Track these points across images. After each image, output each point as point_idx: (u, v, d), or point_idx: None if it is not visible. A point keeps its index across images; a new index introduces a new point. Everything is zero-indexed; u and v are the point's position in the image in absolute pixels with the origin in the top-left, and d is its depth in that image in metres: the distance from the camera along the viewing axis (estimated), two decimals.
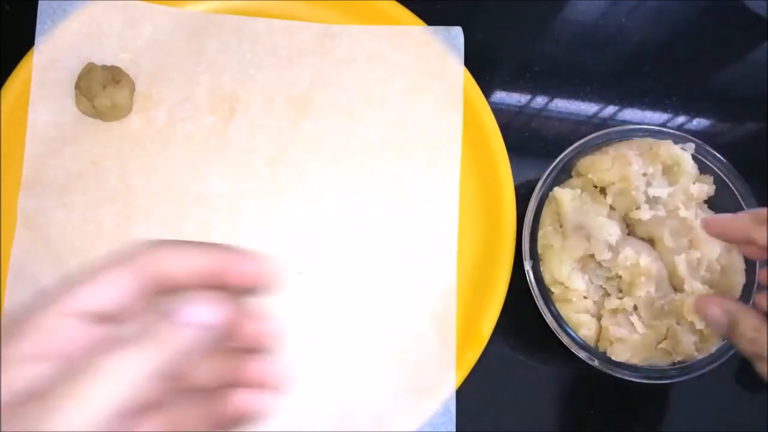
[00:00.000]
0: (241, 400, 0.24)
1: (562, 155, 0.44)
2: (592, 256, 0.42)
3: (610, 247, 0.42)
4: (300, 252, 0.46)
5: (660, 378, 0.41)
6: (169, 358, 0.21)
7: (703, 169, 0.45)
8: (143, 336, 0.21)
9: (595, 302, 0.43)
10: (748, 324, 0.31)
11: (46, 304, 0.22)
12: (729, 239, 0.34)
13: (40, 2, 0.47)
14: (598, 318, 0.43)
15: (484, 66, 0.50)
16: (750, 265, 0.43)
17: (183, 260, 0.23)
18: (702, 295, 0.37)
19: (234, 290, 0.24)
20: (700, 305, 0.34)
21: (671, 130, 0.45)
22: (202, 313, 0.22)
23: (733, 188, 0.44)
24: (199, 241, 0.24)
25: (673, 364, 0.42)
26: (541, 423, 0.47)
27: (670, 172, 0.45)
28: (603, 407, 0.47)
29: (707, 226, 0.34)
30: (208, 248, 0.24)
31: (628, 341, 0.41)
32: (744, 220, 0.32)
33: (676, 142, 0.44)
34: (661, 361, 0.42)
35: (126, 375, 0.20)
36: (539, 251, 0.44)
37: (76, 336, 0.21)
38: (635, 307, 0.42)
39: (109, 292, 0.22)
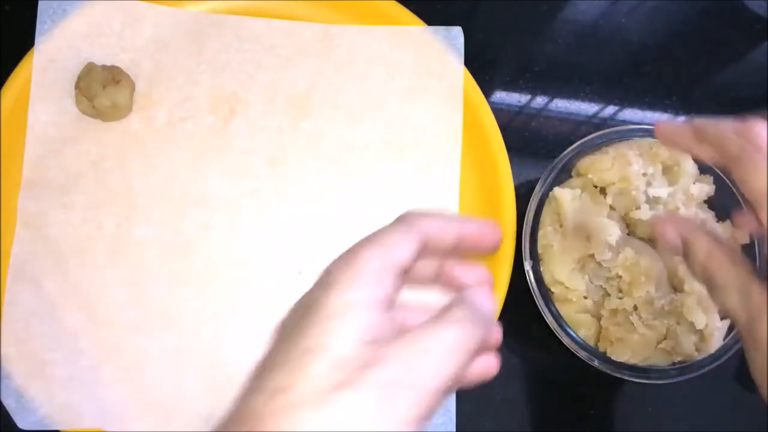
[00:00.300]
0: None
1: (562, 155, 0.44)
2: (592, 256, 0.42)
3: (610, 247, 0.42)
4: (300, 252, 0.46)
5: (660, 378, 0.41)
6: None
7: (703, 169, 0.45)
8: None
9: (595, 302, 0.43)
10: (701, 248, 0.30)
11: (369, 257, 0.24)
12: (676, 149, 0.34)
13: (40, 2, 0.47)
14: (598, 318, 0.43)
15: (484, 66, 0.50)
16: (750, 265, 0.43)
17: (443, 227, 0.26)
18: (661, 216, 0.35)
19: (466, 253, 0.28)
20: (658, 226, 0.32)
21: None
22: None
23: (733, 188, 0.44)
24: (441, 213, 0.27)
25: (673, 364, 0.42)
26: (541, 423, 0.47)
27: (670, 172, 0.45)
28: (603, 407, 0.47)
29: (657, 131, 0.33)
30: (456, 218, 0.27)
31: (628, 341, 0.41)
32: (687, 135, 0.31)
33: None
34: (661, 361, 0.42)
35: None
36: (539, 251, 0.44)
37: (394, 287, 0.24)
38: (635, 307, 0.42)
39: (406, 250, 0.24)
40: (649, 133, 0.45)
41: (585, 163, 0.45)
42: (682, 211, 0.43)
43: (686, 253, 0.31)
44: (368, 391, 0.21)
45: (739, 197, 0.43)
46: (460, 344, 0.23)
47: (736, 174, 0.28)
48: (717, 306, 0.31)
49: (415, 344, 0.22)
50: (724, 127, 0.29)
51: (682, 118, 0.51)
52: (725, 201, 0.44)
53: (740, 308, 0.28)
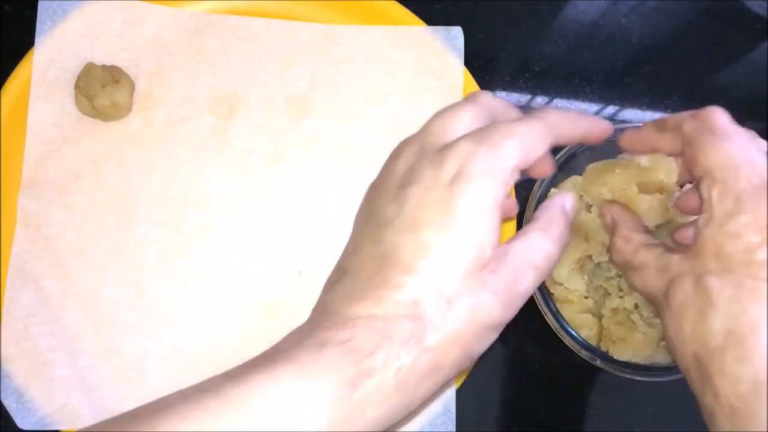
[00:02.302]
0: None
1: (560, 154, 0.44)
2: (591, 256, 0.42)
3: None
4: (300, 252, 0.46)
5: (663, 375, 0.41)
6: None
7: None
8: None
9: (595, 302, 0.43)
10: (621, 234, 0.32)
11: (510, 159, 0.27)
12: (642, 152, 0.34)
13: (40, 2, 0.47)
14: (599, 318, 0.43)
15: (484, 66, 0.50)
16: None
17: (570, 124, 0.29)
18: (605, 202, 0.36)
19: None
20: (600, 211, 0.34)
21: None
22: None
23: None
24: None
25: (675, 361, 0.42)
26: (541, 423, 0.47)
27: None
28: (603, 407, 0.47)
29: (620, 141, 0.34)
30: (581, 115, 0.30)
31: (630, 340, 0.41)
32: (649, 132, 0.32)
33: None
34: (664, 359, 0.42)
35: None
36: None
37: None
38: (636, 306, 0.42)
39: (539, 152, 0.28)
40: None
41: (592, 174, 0.44)
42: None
43: (611, 236, 0.33)
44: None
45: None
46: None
47: (687, 154, 0.29)
48: (634, 288, 0.31)
49: None
50: (682, 114, 0.30)
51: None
52: None
53: (658, 280, 0.29)
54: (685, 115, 0.30)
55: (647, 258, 0.30)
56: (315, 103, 0.48)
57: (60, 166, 0.46)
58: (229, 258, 0.45)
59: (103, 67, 0.46)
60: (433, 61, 0.48)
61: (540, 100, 0.52)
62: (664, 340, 0.29)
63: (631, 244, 0.31)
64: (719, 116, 0.29)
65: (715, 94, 0.54)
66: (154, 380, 0.43)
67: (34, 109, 0.46)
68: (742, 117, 0.54)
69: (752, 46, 0.55)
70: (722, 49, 0.54)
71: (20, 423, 0.42)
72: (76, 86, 0.45)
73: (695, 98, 0.53)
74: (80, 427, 0.42)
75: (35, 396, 0.42)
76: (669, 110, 0.53)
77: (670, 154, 0.32)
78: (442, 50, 0.49)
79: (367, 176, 0.49)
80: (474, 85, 0.48)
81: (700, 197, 0.28)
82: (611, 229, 0.33)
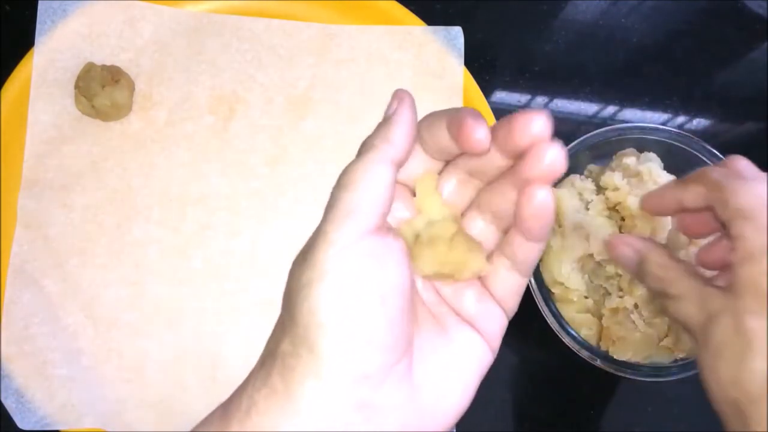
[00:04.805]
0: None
1: None
2: (592, 255, 0.42)
3: None
4: None
5: (662, 375, 0.41)
6: None
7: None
8: None
9: (595, 301, 0.43)
10: (656, 261, 0.30)
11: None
12: (666, 212, 0.32)
13: (40, 2, 0.47)
14: (599, 317, 0.43)
15: (484, 66, 0.50)
16: None
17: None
18: (613, 235, 0.34)
19: None
20: (611, 245, 0.32)
21: (670, 129, 0.45)
22: None
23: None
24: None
25: (675, 361, 0.42)
26: (541, 423, 0.47)
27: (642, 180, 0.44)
28: (603, 407, 0.47)
29: (644, 205, 0.33)
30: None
31: (630, 340, 0.41)
32: (671, 189, 0.31)
33: (672, 142, 0.45)
34: (663, 359, 0.42)
35: None
36: None
37: None
38: (636, 306, 0.42)
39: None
40: (645, 131, 0.45)
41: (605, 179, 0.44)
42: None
43: (640, 269, 0.30)
44: None
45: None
46: None
47: (716, 198, 0.28)
48: (669, 316, 0.29)
49: None
50: (705, 168, 0.29)
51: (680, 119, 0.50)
52: None
53: (696, 314, 0.27)
54: (710, 167, 0.30)
55: (686, 289, 0.28)
56: (315, 103, 0.48)
57: (60, 166, 0.46)
58: (229, 258, 0.45)
59: (103, 67, 0.46)
60: (433, 61, 0.48)
61: (540, 100, 0.52)
62: (701, 378, 0.28)
63: (670, 272, 0.29)
64: (744, 162, 0.29)
65: (715, 94, 0.54)
66: (154, 380, 0.43)
67: (34, 109, 0.46)
68: (742, 117, 0.54)
69: (752, 46, 0.55)
70: (722, 49, 0.54)
71: (20, 423, 0.42)
72: (76, 86, 0.45)
73: (695, 98, 0.53)
74: (80, 427, 0.42)
75: (35, 396, 0.42)
76: (669, 110, 0.53)
77: (694, 210, 0.31)
78: (442, 50, 0.49)
79: None
80: (474, 85, 0.48)
81: (731, 237, 0.27)
82: (641, 259, 0.31)
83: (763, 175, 0.28)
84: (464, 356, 0.26)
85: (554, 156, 0.24)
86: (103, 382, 0.43)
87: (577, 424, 0.47)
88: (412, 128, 0.26)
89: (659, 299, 0.30)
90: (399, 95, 0.26)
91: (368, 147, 0.26)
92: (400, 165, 0.26)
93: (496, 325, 0.26)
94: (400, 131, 0.26)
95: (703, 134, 0.52)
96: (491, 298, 0.26)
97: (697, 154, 0.45)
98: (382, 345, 0.22)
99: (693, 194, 0.29)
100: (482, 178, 0.27)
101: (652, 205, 0.32)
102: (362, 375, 0.22)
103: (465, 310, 0.26)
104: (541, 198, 0.24)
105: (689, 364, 0.41)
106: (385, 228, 0.24)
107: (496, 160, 0.25)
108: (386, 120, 0.26)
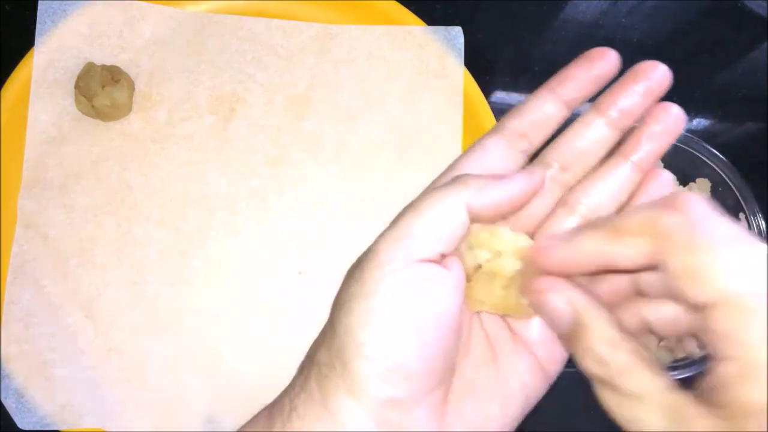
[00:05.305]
0: None
1: None
2: None
3: None
4: (300, 252, 0.46)
5: None
6: None
7: (703, 168, 0.45)
8: None
9: None
10: (601, 334, 0.20)
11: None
12: (583, 272, 0.22)
13: (40, 2, 0.47)
14: None
15: (484, 66, 0.50)
16: None
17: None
18: (544, 281, 0.23)
19: None
20: (540, 287, 0.22)
21: None
22: None
23: (733, 188, 0.44)
24: None
25: (675, 361, 0.42)
26: (541, 423, 0.47)
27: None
28: (603, 407, 0.47)
29: (545, 260, 0.22)
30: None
31: None
32: (593, 242, 0.21)
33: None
34: (664, 359, 0.42)
35: None
36: None
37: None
38: None
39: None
40: None
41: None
42: None
43: (575, 333, 0.21)
44: None
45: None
46: None
47: (678, 267, 0.19)
48: (607, 409, 0.21)
49: None
50: (644, 207, 0.21)
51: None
52: (725, 201, 0.45)
53: (660, 426, 0.19)
54: (650, 207, 0.20)
55: (648, 388, 0.20)
56: (315, 103, 0.48)
57: (60, 166, 0.46)
58: (229, 258, 0.45)
59: (103, 67, 0.46)
60: (433, 61, 0.48)
61: None
62: None
63: (621, 355, 0.20)
64: (700, 207, 0.19)
65: (715, 94, 0.54)
66: (154, 380, 0.43)
67: (34, 109, 0.46)
68: (742, 117, 0.54)
69: (752, 46, 0.55)
70: (722, 49, 0.54)
71: (20, 423, 0.42)
72: (76, 86, 0.45)
73: (695, 98, 0.53)
74: (80, 427, 0.42)
75: (35, 396, 0.42)
76: (684, 114, 0.53)
77: (631, 271, 0.22)
78: (442, 50, 0.49)
79: (367, 176, 0.49)
80: (474, 85, 0.48)
81: (708, 330, 0.18)
82: (581, 323, 0.21)
83: (734, 229, 0.19)
84: (511, 387, 0.25)
85: (677, 112, 0.24)
86: (103, 382, 0.43)
87: (576, 424, 0.47)
88: (513, 199, 0.24)
89: (596, 384, 0.21)
90: (533, 171, 0.25)
91: (458, 180, 0.24)
92: (475, 217, 0.23)
93: (559, 352, 0.25)
94: (500, 191, 0.23)
95: (703, 134, 0.52)
96: None
97: (697, 154, 0.45)
98: (414, 373, 0.22)
99: (630, 255, 0.20)
100: (579, 167, 0.26)
101: (559, 262, 0.22)
102: (391, 399, 0.22)
103: (528, 335, 0.25)
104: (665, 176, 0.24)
105: (690, 364, 0.41)
106: (440, 263, 0.23)
107: (603, 132, 0.25)
108: (500, 175, 0.24)
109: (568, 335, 0.22)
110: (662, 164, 0.46)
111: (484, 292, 0.24)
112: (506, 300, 0.24)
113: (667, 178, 0.26)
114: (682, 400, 0.19)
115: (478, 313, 0.25)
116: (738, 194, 0.44)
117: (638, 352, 0.20)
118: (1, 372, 0.42)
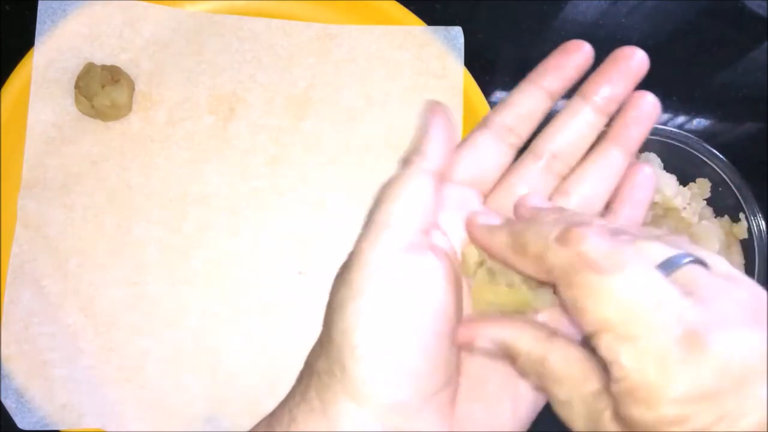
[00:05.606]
0: None
1: None
2: None
3: None
4: (300, 252, 0.46)
5: None
6: None
7: (703, 168, 0.45)
8: None
9: None
10: (529, 356, 0.22)
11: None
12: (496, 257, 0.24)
13: (40, 2, 0.47)
14: None
15: (484, 66, 0.50)
16: (749, 262, 0.43)
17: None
18: (469, 322, 0.24)
19: None
20: (464, 339, 0.23)
21: (670, 129, 0.45)
22: None
23: (733, 188, 0.44)
24: None
25: None
26: (541, 423, 0.47)
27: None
28: None
29: (467, 227, 0.25)
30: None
31: None
32: (504, 243, 0.23)
33: (672, 142, 0.45)
34: None
35: None
36: None
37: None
38: None
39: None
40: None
41: None
42: (686, 212, 0.43)
43: (510, 358, 0.22)
44: None
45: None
46: None
47: (566, 298, 0.20)
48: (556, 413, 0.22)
49: None
50: (544, 235, 0.21)
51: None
52: (725, 201, 0.45)
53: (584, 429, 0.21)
54: (549, 239, 0.21)
55: (572, 395, 0.21)
56: (315, 103, 0.48)
57: (60, 166, 0.46)
58: (229, 258, 0.45)
59: (103, 67, 0.46)
60: (433, 61, 0.48)
61: None
62: None
63: (548, 368, 0.22)
64: (592, 239, 0.20)
65: (715, 94, 0.53)
66: (154, 380, 0.43)
67: (34, 109, 0.46)
68: (742, 117, 0.54)
69: (752, 46, 0.55)
70: (722, 49, 0.54)
71: (20, 423, 0.42)
72: (76, 86, 0.45)
73: (695, 98, 0.53)
74: (80, 427, 0.42)
75: (35, 396, 0.42)
76: (669, 111, 0.53)
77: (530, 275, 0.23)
78: (442, 50, 0.49)
79: (368, 176, 0.49)
80: (474, 85, 0.48)
81: (598, 352, 0.20)
82: (509, 349, 0.22)
83: (625, 255, 0.19)
84: (522, 387, 0.24)
85: (653, 99, 0.25)
86: (103, 382, 0.43)
87: None
88: (447, 139, 0.25)
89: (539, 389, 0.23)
90: (431, 107, 0.25)
91: (402, 162, 0.25)
92: (439, 177, 0.24)
93: None
94: (433, 143, 0.24)
95: (703, 134, 0.52)
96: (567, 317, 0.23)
97: (697, 154, 0.45)
98: (417, 373, 0.21)
99: (529, 268, 0.22)
100: (570, 155, 0.26)
101: (478, 239, 0.24)
102: (396, 402, 0.21)
103: None
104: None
105: None
106: (426, 246, 0.23)
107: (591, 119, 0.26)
108: (419, 133, 0.25)
109: (507, 361, 0.23)
110: (663, 165, 0.46)
111: (489, 291, 0.24)
112: (513, 296, 0.23)
113: (648, 172, 0.26)
114: (601, 407, 0.20)
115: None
116: (738, 194, 0.44)
117: (567, 358, 0.21)
118: (1, 372, 0.42)
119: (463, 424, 0.23)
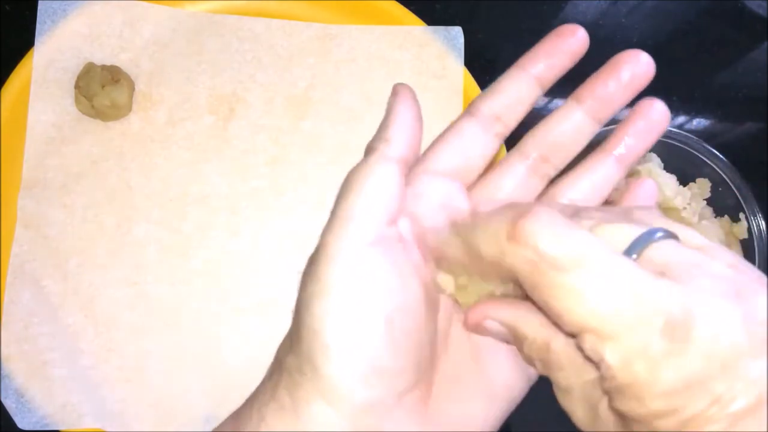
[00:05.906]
0: None
1: None
2: None
3: None
4: (300, 252, 0.46)
5: None
6: None
7: (703, 168, 0.45)
8: None
9: None
10: (532, 343, 0.21)
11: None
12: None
13: (40, 2, 0.47)
14: None
15: (484, 66, 0.50)
16: (749, 262, 0.43)
17: None
18: (480, 304, 0.23)
19: None
20: (473, 316, 0.22)
21: (670, 129, 0.45)
22: None
23: (733, 188, 0.44)
24: None
25: None
26: (541, 423, 0.47)
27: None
28: None
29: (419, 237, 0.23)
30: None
31: None
32: (456, 246, 0.21)
33: (672, 142, 0.45)
34: None
35: None
36: None
37: None
38: None
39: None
40: None
41: None
42: (686, 212, 0.43)
43: (518, 341, 0.22)
44: None
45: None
46: None
47: (543, 303, 0.19)
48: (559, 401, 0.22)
49: None
50: (494, 233, 0.19)
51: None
52: (725, 201, 0.45)
53: (584, 419, 0.21)
54: (497, 238, 0.19)
55: (573, 383, 0.21)
56: (315, 103, 0.48)
57: (60, 166, 0.46)
58: (229, 258, 0.45)
59: (103, 67, 0.46)
60: (433, 61, 0.48)
61: (540, 100, 0.52)
62: None
63: (551, 355, 0.21)
64: (544, 231, 0.18)
65: (715, 94, 0.54)
66: (154, 380, 0.43)
67: (34, 109, 0.46)
68: (742, 117, 0.54)
69: (752, 46, 0.55)
70: (722, 49, 0.54)
71: (20, 423, 0.42)
72: (76, 86, 0.45)
73: (695, 98, 0.53)
74: (80, 427, 0.42)
75: (35, 396, 0.42)
76: (669, 111, 0.53)
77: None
78: (442, 50, 0.49)
79: None
80: (474, 85, 0.48)
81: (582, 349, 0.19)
82: (515, 333, 0.22)
83: (592, 248, 0.18)
84: (495, 386, 0.24)
85: (662, 108, 0.24)
86: (103, 382, 0.43)
87: (566, 424, 0.47)
88: (413, 123, 0.24)
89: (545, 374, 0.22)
90: (395, 90, 0.25)
91: (367, 150, 0.24)
92: (406, 163, 0.23)
93: None
94: (398, 127, 0.24)
95: (703, 134, 0.52)
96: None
97: (697, 154, 0.45)
98: (388, 371, 0.21)
99: (494, 273, 0.21)
100: (560, 157, 0.25)
101: (434, 248, 0.23)
102: (368, 402, 0.21)
103: None
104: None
105: None
106: (393, 238, 0.22)
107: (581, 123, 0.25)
108: (384, 119, 0.24)
109: (515, 345, 0.22)
110: (663, 165, 0.46)
111: (474, 289, 0.23)
112: (497, 292, 0.23)
113: (651, 186, 0.25)
114: (598, 396, 0.20)
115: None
116: (738, 194, 0.44)
117: (569, 344, 0.20)
118: (1, 372, 0.42)
119: (435, 424, 0.23)
